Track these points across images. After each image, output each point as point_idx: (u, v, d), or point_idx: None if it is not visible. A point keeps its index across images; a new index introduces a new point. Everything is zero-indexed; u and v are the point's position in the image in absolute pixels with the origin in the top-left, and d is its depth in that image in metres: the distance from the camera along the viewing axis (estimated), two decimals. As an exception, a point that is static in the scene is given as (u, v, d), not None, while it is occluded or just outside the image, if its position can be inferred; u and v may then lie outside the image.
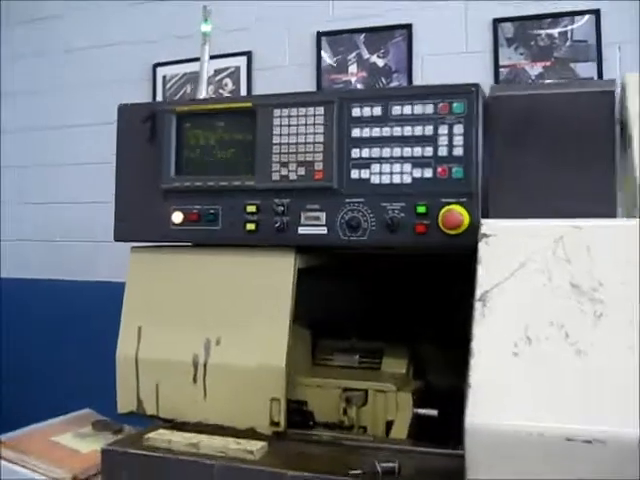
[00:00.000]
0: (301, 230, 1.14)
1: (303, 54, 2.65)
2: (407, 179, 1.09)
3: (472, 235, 1.05)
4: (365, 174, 1.11)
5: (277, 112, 1.14)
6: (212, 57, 2.88)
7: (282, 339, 1.15)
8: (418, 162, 1.08)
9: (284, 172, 1.14)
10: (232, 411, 1.17)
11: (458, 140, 1.07)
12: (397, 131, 1.10)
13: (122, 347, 1.25)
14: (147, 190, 1.24)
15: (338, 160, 1.12)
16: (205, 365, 1.18)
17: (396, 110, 1.10)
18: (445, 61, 2.43)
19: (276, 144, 1.14)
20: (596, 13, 2.25)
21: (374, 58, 2.55)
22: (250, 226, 1.17)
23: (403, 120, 1.09)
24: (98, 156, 2.85)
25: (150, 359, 1.23)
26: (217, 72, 2.85)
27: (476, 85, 1.07)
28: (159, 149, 1.22)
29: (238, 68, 2.79)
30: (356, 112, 1.12)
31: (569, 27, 2.29)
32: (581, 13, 2.27)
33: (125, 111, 1.29)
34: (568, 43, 2.30)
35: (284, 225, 1.14)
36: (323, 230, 1.13)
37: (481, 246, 0.98)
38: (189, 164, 1.21)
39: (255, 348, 1.16)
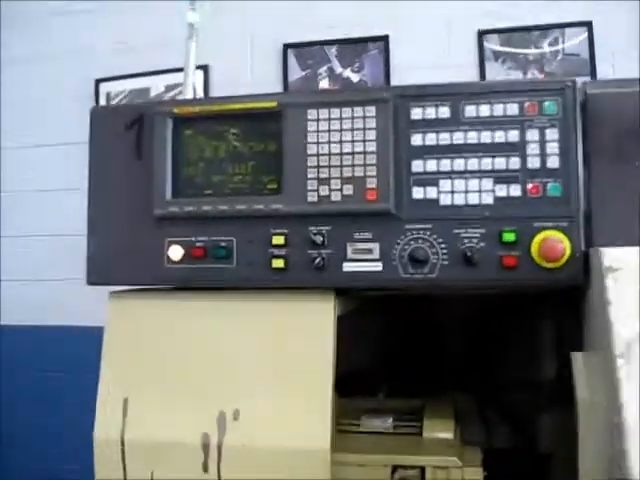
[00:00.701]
0: (347, 267, 0.88)
1: (268, 68, 2.40)
2: (488, 199, 0.85)
3: (573, 267, 0.82)
4: (432, 193, 0.86)
5: (312, 114, 0.88)
6: (162, 72, 2.61)
7: (323, 410, 0.88)
8: (502, 177, 0.85)
9: (324, 191, 0.88)
10: (257, 508, 0.88)
11: (552, 148, 0.84)
12: (472, 137, 0.86)
13: (102, 426, 0.94)
14: (133, 218, 0.95)
15: (396, 175, 0.87)
16: (219, 447, 0.89)
17: (469, 111, 0.86)
18: (427, 75, 2.22)
19: (312, 155, 0.88)
20: (588, 26, 2.11)
21: (347, 72, 2.33)
22: (277, 263, 0.89)
23: (480, 124, 0.86)
24: (50, 183, 2.51)
25: (141, 441, 0.92)
26: (168, 88, 2.56)
27: (573, 80, 0.85)
28: (150, 163, 0.94)
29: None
30: (416, 113, 0.87)
31: (560, 40, 2.14)
32: (572, 25, 2.13)
33: (100, 115, 0.99)
34: (559, 57, 2.15)
35: (324, 261, 0.88)
36: (377, 266, 0.87)
37: (609, 284, 0.74)
38: (191, 183, 0.93)
39: (287, 423, 0.88)
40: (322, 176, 0.88)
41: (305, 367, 0.89)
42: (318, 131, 0.88)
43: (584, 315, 0.89)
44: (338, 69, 2.34)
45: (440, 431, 1.09)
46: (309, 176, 0.88)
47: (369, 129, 0.87)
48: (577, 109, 0.84)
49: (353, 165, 0.87)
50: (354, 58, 2.33)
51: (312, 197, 0.88)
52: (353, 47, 2.33)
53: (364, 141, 0.87)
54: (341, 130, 0.88)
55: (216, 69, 2.49)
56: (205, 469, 0.89)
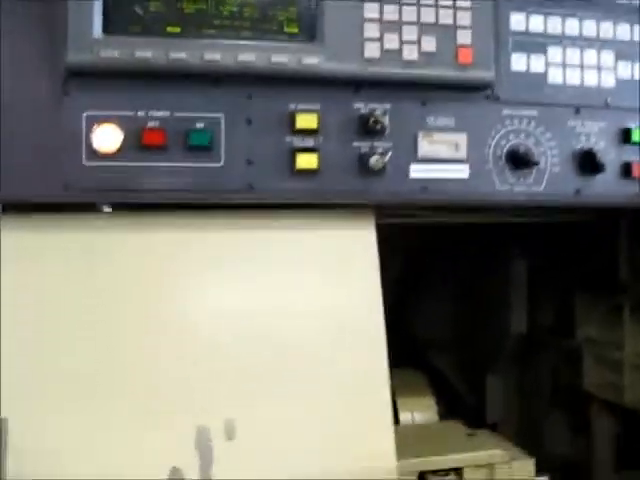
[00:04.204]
0: (415, 170, 0.54)
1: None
2: (608, 79, 0.59)
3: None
4: (538, 65, 0.57)
5: None
6: None
7: (383, 407, 0.54)
8: (625, 51, 0.59)
9: (390, 44, 0.52)
10: None
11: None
12: (589, -13, 0.59)
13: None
14: (11, 72, 0.48)
15: (495, 32, 0.55)
16: (203, 491, 0.50)
17: (587, -53, 0.59)
18: None
19: (371, -18, 0.52)
20: None
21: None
22: (304, 160, 0.52)
23: (599, -32, 0.59)
24: None
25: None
26: None
27: None
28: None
29: None
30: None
31: None
32: None
33: None
34: None
35: (379, 158, 0.53)
36: (461, 171, 0.55)
37: None
38: (142, 10, 0.50)
39: (324, 435, 0.52)
40: (388, 17, 0.52)
41: (344, 338, 0.54)
42: (380, -58, 0.52)
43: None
44: None
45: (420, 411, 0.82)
46: (367, 15, 0.52)
47: (460, -50, 0.54)
48: None
49: (437, 5, 0.53)
50: None
51: (371, 51, 0.52)
52: None
53: (453, -31, 0.54)
54: (417, -54, 0.53)
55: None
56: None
